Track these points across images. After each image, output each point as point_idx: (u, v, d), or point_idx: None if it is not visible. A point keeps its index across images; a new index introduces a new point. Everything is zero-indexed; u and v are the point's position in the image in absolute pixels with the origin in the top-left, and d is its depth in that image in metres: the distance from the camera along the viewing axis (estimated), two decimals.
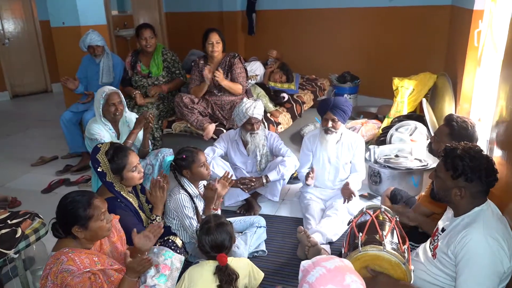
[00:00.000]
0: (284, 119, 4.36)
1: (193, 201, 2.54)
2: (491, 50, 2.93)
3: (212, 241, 1.85)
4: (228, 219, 2.79)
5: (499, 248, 1.62)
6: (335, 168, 3.15)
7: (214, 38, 3.70)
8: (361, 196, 3.37)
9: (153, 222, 2.43)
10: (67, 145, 4.40)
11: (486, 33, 2.99)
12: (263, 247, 2.70)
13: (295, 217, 3.13)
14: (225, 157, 3.40)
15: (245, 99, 3.22)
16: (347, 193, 2.88)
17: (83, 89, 4.30)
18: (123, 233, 2.11)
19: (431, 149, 2.50)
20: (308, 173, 3.08)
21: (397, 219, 2.12)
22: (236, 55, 3.82)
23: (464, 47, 3.39)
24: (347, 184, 2.93)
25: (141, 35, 4.05)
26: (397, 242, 1.87)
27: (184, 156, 2.56)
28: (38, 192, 3.75)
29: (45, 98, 7.77)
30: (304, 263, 1.44)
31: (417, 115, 4.13)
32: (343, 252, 1.94)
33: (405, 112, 4.22)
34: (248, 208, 3.19)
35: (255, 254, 2.65)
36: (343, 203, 2.90)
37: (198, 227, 2.45)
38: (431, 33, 5.18)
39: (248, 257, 2.59)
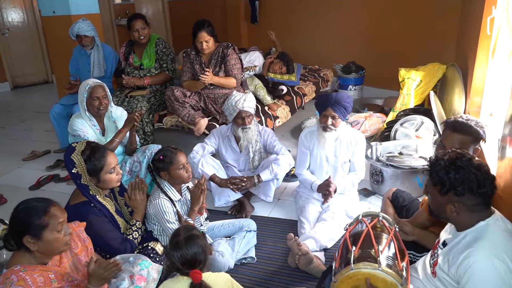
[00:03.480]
0: (283, 112, 4.14)
1: (174, 205, 2.35)
2: (507, 39, 2.66)
3: (182, 256, 1.66)
4: (216, 222, 2.67)
5: (506, 270, 1.40)
6: (333, 167, 2.93)
7: (203, 37, 3.44)
8: (361, 191, 3.16)
9: (133, 227, 2.27)
10: (58, 139, 4.25)
11: (501, 20, 2.72)
12: (252, 253, 2.50)
13: (290, 219, 2.92)
14: (217, 154, 3.20)
15: (234, 92, 3.01)
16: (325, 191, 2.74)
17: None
18: (89, 242, 1.92)
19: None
20: (327, 185, 2.77)
21: (397, 229, 1.91)
22: (230, 45, 3.58)
23: (476, 36, 3.12)
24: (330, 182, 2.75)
25: (133, 27, 3.85)
26: (395, 257, 1.66)
27: (161, 157, 2.35)
28: (26, 189, 3.60)
29: (46, 89, 7.64)
30: None
31: (424, 109, 3.88)
32: (334, 267, 1.74)
33: (411, 105, 3.97)
34: (240, 209, 3.00)
35: (243, 261, 2.46)
36: (321, 203, 2.74)
37: None
38: (442, 21, 4.88)
39: (235, 264, 2.41)
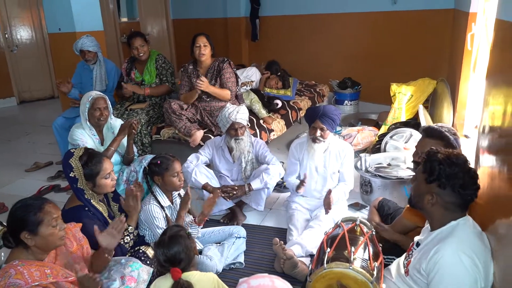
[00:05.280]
0: (278, 126, 4.26)
1: (164, 211, 2.45)
2: (486, 54, 2.78)
3: (164, 254, 1.76)
4: (207, 228, 2.76)
5: (472, 265, 1.49)
6: (322, 178, 3.03)
7: (201, 41, 3.61)
8: (353, 205, 3.24)
9: (125, 232, 2.36)
10: (60, 151, 4.38)
11: (480, 36, 2.85)
12: (241, 259, 2.59)
13: (280, 227, 3.01)
14: (211, 164, 3.31)
15: (228, 104, 3.13)
16: (325, 202, 2.76)
17: (77, 94, 4.27)
18: (84, 242, 2.03)
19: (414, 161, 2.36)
20: (301, 181, 2.94)
21: (373, 232, 2.01)
22: (226, 59, 3.73)
23: (461, 51, 3.25)
24: (328, 192, 2.80)
25: (132, 44, 4.00)
26: (368, 259, 1.75)
27: (158, 162, 2.48)
28: None
29: (51, 104, 7.80)
30: (240, 280, 1.34)
31: (415, 122, 3.98)
32: (310, 267, 1.83)
33: (403, 118, 4.08)
34: (232, 217, 3.09)
35: (232, 266, 2.55)
36: (325, 214, 2.78)
37: None
38: (434, 38, 5.03)
39: (224, 269, 2.50)
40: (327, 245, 1.83)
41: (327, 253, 1.74)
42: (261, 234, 2.93)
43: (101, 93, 3.14)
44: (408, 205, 2.46)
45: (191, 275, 1.80)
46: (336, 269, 1.66)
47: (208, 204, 2.53)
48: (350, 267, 1.64)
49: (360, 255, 1.76)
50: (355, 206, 3.26)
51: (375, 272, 1.67)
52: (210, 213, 2.55)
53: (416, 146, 2.25)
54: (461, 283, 1.49)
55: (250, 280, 1.25)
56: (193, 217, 2.56)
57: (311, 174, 3.04)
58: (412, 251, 1.79)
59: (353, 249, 1.73)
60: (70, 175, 2.25)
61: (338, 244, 1.80)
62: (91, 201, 2.28)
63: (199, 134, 3.60)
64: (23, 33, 7.69)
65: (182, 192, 2.66)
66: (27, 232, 1.68)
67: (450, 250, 1.53)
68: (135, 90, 4.01)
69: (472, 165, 2.51)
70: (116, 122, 3.26)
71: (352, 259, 1.68)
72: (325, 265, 1.68)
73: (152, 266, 2.32)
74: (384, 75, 5.49)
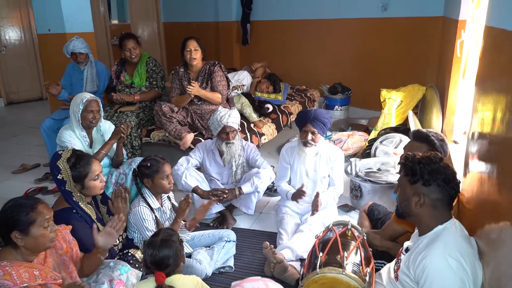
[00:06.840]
0: (269, 130, 4.26)
1: (154, 213, 2.43)
2: (475, 60, 2.82)
3: (152, 256, 1.74)
4: (196, 232, 2.74)
5: (459, 267, 1.50)
6: (313, 182, 3.03)
7: (192, 45, 3.61)
8: (342, 207, 3.25)
9: None
10: (48, 153, 4.32)
11: (470, 44, 2.89)
12: (231, 262, 2.57)
13: (270, 231, 3.01)
14: (201, 168, 3.29)
15: (220, 107, 3.13)
16: (313, 204, 2.77)
17: (67, 95, 4.22)
18: (74, 244, 2.00)
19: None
20: (301, 191, 2.86)
21: (364, 237, 2.01)
22: (216, 63, 3.73)
23: (450, 58, 3.29)
24: (317, 195, 2.80)
25: (125, 46, 3.97)
26: (360, 264, 1.75)
27: (148, 164, 2.46)
28: None
29: (40, 105, 7.72)
30: (233, 283, 1.33)
31: (404, 128, 4.01)
32: (302, 272, 1.82)
33: (393, 124, 4.11)
34: (222, 221, 3.07)
35: (222, 270, 2.53)
36: (310, 215, 2.78)
37: None
38: (424, 45, 5.09)
39: (213, 273, 2.48)
40: (319, 249, 1.83)
41: (319, 258, 1.73)
42: (251, 238, 2.92)
43: (94, 95, 3.09)
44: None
45: (174, 279, 1.78)
46: (329, 274, 1.66)
47: (201, 210, 2.54)
48: (343, 273, 1.64)
49: (352, 260, 1.76)
50: (344, 207, 3.28)
51: (367, 278, 1.67)
52: (198, 219, 2.54)
53: (404, 149, 2.28)
54: (449, 286, 1.50)
55: (244, 284, 1.24)
56: (184, 221, 2.54)
57: (301, 178, 3.04)
58: (401, 256, 1.79)
59: (345, 254, 1.73)
60: (58, 177, 2.22)
61: (330, 249, 1.80)
62: (79, 203, 2.25)
63: (190, 137, 3.58)
64: (11, 34, 7.61)
65: (171, 194, 2.64)
66: (18, 232, 1.66)
67: (437, 254, 1.54)
68: (124, 98, 3.97)
69: (460, 171, 2.55)
70: (105, 124, 3.22)
71: (344, 264, 1.68)
72: (317, 269, 1.68)
73: (141, 269, 2.30)
74: (374, 81, 5.53)
